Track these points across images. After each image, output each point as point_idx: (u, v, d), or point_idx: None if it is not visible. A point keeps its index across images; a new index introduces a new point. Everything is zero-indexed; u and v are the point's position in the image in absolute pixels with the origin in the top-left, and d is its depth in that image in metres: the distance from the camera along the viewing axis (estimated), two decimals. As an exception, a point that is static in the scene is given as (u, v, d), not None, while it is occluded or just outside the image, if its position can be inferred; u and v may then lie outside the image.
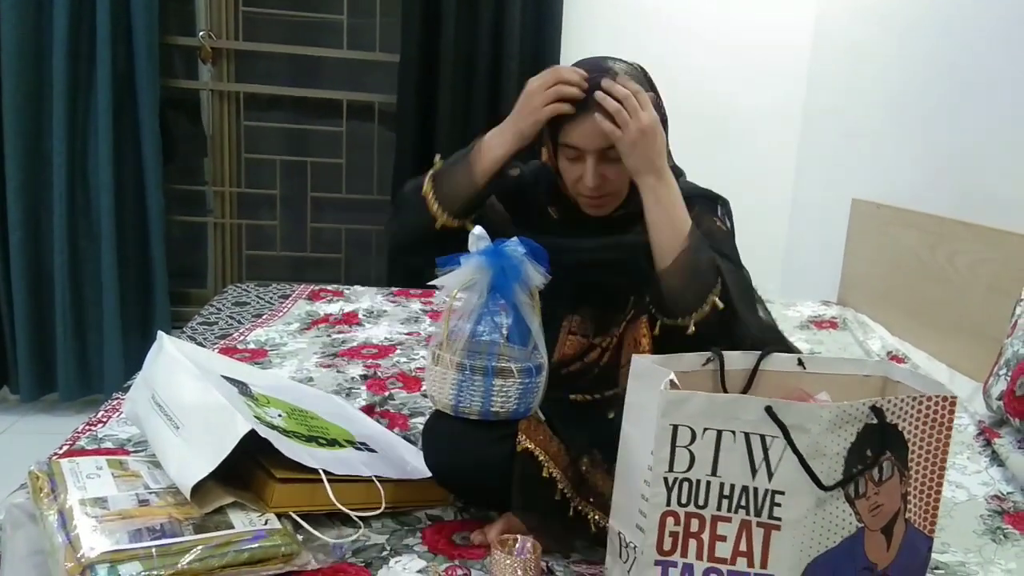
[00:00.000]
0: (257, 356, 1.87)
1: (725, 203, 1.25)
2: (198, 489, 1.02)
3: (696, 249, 1.08)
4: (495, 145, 1.16)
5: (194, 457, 1.04)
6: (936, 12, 2.25)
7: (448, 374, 1.11)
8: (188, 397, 1.13)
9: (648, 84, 1.17)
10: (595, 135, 1.10)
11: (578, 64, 1.16)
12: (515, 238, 1.12)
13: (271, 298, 2.42)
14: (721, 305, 1.06)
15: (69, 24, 2.54)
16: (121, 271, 2.72)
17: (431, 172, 1.20)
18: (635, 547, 0.91)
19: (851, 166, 2.69)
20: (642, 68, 1.19)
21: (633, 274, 1.16)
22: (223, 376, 1.30)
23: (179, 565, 0.93)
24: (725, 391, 1.04)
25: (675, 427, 0.87)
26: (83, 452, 1.30)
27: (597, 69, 1.13)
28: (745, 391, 1.05)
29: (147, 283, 2.82)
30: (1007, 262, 1.80)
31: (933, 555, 1.13)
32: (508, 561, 1.00)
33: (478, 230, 1.13)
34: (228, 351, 1.87)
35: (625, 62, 1.17)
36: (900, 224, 2.30)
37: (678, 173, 1.23)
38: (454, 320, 1.12)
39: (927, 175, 2.25)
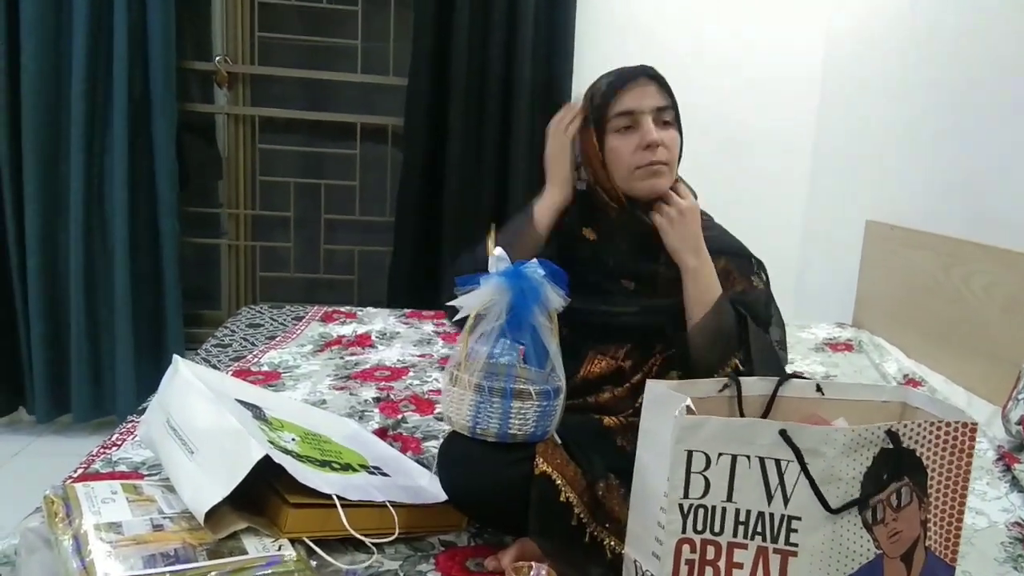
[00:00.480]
0: (271, 378, 1.87)
1: (760, 263, 1.32)
2: (212, 514, 1.02)
3: (721, 313, 1.17)
4: (546, 198, 1.28)
5: (208, 482, 1.04)
6: (946, 35, 2.25)
7: (466, 395, 1.10)
8: (202, 421, 1.13)
9: (669, 92, 1.26)
10: (648, 96, 1.21)
11: (603, 74, 1.27)
12: (535, 260, 1.13)
13: (284, 320, 2.43)
14: (742, 368, 1.15)
15: (87, 48, 2.58)
16: (135, 293, 2.74)
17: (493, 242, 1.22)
18: (651, 575, 0.90)
19: (864, 188, 2.69)
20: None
21: (668, 337, 1.24)
22: (237, 400, 1.30)
23: (193, 591, 0.93)
24: (743, 417, 1.03)
25: (690, 452, 0.87)
26: (98, 476, 1.30)
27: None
28: (764, 417, 1.04)
29: (161, 305, 2.83)
30: (1022, 283, 1.78)
31: (954, 583, 1.11)
32: (522, 588, 0.99)
33: (499, 251, 1.14)
34: (242, 373, 1.87)
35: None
36: (914, 245, 2.29)
37: (705, 219, 1.29)
38: (472, 341, 1.12)
39: (940, 196, 2.24)
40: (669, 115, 1.23)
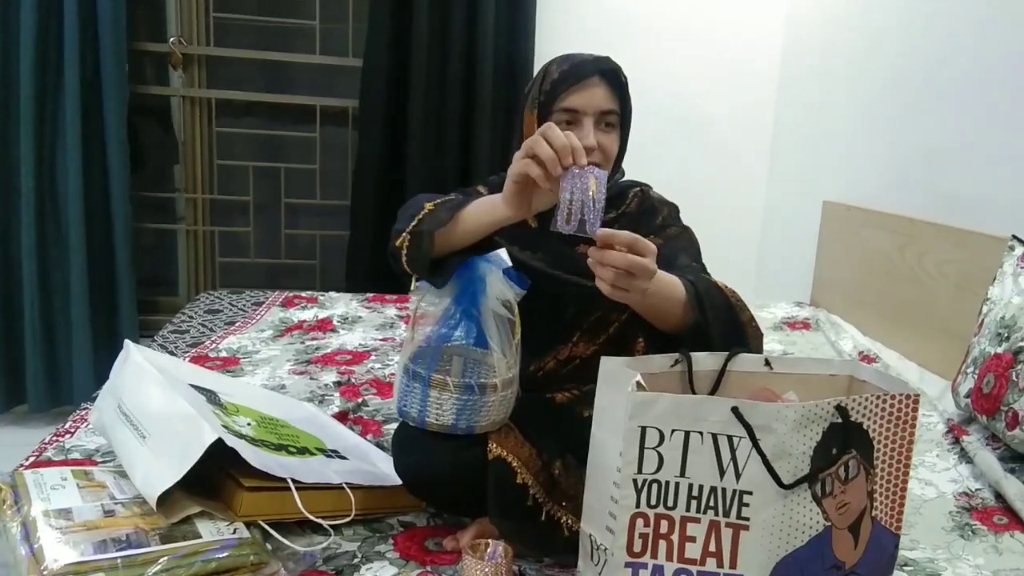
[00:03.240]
0: (229, 364, 1.85)
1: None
2: (165, 499, 1.01)
3: (703, 308, 1.07)
4: (499, 208, 1.10)
5: (160, 466, 1.02)
6: (905, 16, 2.28)
7: (397, 377, 1.13)
8: (155, 406, 1.12)
9: (626, 79, 1.22)
10: (595, 97, 1.16)
11: (560, 58, 1.22)
12: (500, 250, 1.13)
13: (244, 305, 2.40)
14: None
15: (36, 30, 2.51)
16: (91, 280, 2.69)
17: (413, 224, 1.13)
18: (606, 549, 0.91)
19: (822, 168, 2.72)
20: (618, 66, 1.22)
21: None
22: (191, 385, 1.28)
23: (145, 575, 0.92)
24: (693, 392, 1.04)
25: (643, 429, 0.88)
26: (50, 463, 1.28)
27: (588, 54, 1.21)
28: (713, 392, 1.05)
29: (115, 291, 2.78)
30: (974, 262, 1.82)
31: (903, 552, 1.14)
32: (480, 566, 1.00)
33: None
34: (200, 359, 1.85)
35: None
36: (870, 225, 2.32)
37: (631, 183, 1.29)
38: (419, 326, 1.12)
39: (896, 176, 2.28)
40: (613, 119, 1.19)
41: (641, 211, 1.28)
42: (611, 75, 1.18)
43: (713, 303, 1.09)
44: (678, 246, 1.24)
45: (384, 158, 2.80)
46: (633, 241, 0.96)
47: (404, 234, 1.13)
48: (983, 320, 1.63)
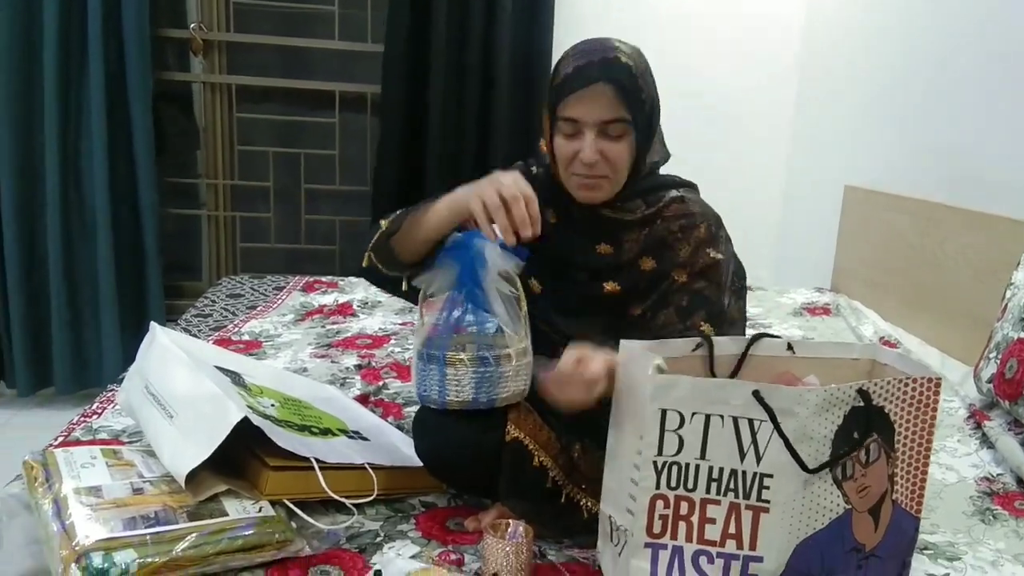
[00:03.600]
0: (251, 347, 1.87)
1: (727, 236, 1.25)
2: (192, 477, 1.03)
3: None
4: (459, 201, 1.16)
5: (188, 446, 1.04)
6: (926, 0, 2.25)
7: (413, 364, 1.14)
8: (181, 387, 1.14)
9: (646, 67, 1.17)
10: (596, 107, 1.10)
11: (573, 52, 1.16)
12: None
13: (265, 290, 2.42)
14: None
15: (60, 18, 2.53)
16: (116, 265, 2.72)
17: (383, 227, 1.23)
18: (625, 530, 0.92)
19: (843, 152, 2.70)
20: (640, 50, 1.18)
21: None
22: (216, 367, 1.30)
23: (173, 552, 0.94)
24: (714, 376, 1.05)
25: (664, 411, 0.88)
26: (78, 443, 1.30)
27: (601, 48, 1.14)
28: (734, 376, 1.05)
29: (141, 276, 2.81)
30: (996, 246, 1.81)
31: (923, 536, 1.14)
32: (500, 545, 1.01)
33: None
34: (222, 343, 1.87)
35: (628, 44, 1.17)
36: (892, 210, 2.30)
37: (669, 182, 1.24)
38: (428, 313, 1.13)
39: (918, 160, 2.26)
40: (619, 128, 1.11)
41: (671, 227, 1.19)
42: (618, 81, 1.10)
43: None
44: (699, 297, 1.16)
45: (404, 145, 2.81)
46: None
47: (367, 253, 1.21)
48: (1007, 305, 1.61)
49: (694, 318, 1.15)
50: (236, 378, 1.29)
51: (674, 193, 1.22)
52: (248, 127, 3.07)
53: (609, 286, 1.21)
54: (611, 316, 1.21)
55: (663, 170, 1.26)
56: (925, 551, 1.14)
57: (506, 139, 2.80)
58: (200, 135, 3.02)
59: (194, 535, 0.96)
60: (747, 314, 1.34)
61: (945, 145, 2.13)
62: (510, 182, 1.10)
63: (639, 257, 1.20)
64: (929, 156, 2.21)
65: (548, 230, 1.21)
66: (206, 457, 1.01)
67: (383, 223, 1.24)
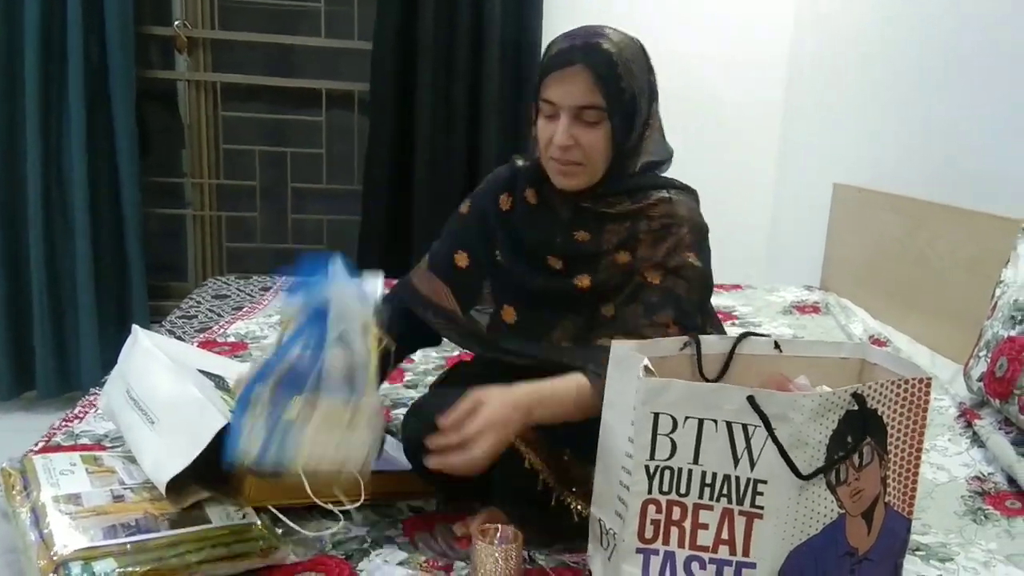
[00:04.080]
0: (238, 349, 1.85)
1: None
2: (174, 484, 1.01)
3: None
4: None
5: (169, 452, 1.02)
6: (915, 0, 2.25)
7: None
8: (163, 391, 1.11)
9: (644, 57, 1.16)
10: (572, 90, 1.09)
11: (560, 37, 1.15)
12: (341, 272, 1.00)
13: (251, 291, 2.40)
14: None
15: (41, 15, 2.50)
16: (98, 266, 2.69)
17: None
18: (615, 534, 0.91)
19: (832, 151, 2.70)
20: (638, 41, 1.17)
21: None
22: (199, 370, 1.28)
23: (155, 561, 0.92)
24: (702, 375, 1.04)
25: (656, 415, 0.87)
26: (59, 448, 1.28)
27: (586, 33, 1.13)
28: (721, 375, 1.04)
29: (124, 277, 2.78)
30: (985, 244, 1.80)
31: (915, 537, 1.13)
32: (490, 551, 0.99)
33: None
34: (208, 344, 1.85)
35: (621, 33, 1.15)
36: (881, 208, 2.30)
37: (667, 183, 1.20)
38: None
39: (907, 158, 2.26)
40: (594, 114, 1.09)
41: (652, 224, 1.15)
42: (595, 66, 1.08)
43: None
44: (670, 295, 1.11)
45: (394, 142, 2.79)
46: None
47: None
48: (996, 303, 1.61)
49: (660, 315, 1.10)
50: (220, 382, 1.26)
51: (664, 194, 1.18)
52: (234, 125, 3.04)
53: (581, 281, 1.16)
54: (581, 317, 1.17)
55: (668, 173, 1.23)
56: (917, 552, 1.13)
57: (496, 135, 2.78)
58: (185, 133, 2.98)
59: (176, 543, 0.94)
60: (734, 315, 1.32)
61: (934, 143, 2.13)
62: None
63: (616, 250, 1.16)
64: (918, 154, 2.21)
65: (526, 209, 1.22)
66: (187, 464, 0.99)
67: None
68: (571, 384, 1.04)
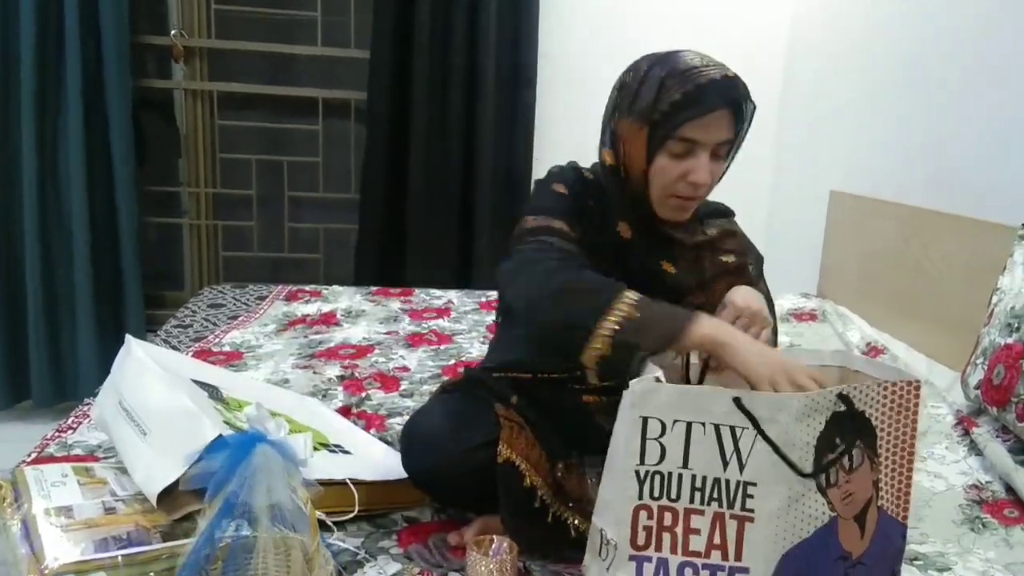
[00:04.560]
0: (232, 358, 1.84)
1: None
2: (166, 496, 0.99)
3: None
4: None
5: (161, 463, 1.01)
6: (911, 3, 2.25)
7: None
8: (155, 402, 1.11)
9: (741, 119, 1.14)
10: (720, 129, 1.07)
11: (677, 73, 1.08)
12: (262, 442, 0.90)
13: (247, 300, 2.39)
14: None
15: (36, 24, 2.50)
16: (95, 275, 2.68)
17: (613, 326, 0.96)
18: (616, 545, 0.90)
19: (828, 158, 2.70)
20: (746, 92, 1.14)
21: None
22: (193, 380, 1.27)
23: (146, 574, 0.91)
24: (688, 381, 1.03)
25: (645, 419, 0.87)
26: (52, 459, 1.27)
27: (715, 65, 1.09)
28: (701, 380, 1.04)
29: (120, 287, 2.77)
30: (982, 251, 1.80)
31: (912, 546, 1.13)
32: (484, 562, 0.99)
33: (251, 410, 0.92)
34: (203, 354, 1.84)
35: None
36: (877, 215, 2.30)
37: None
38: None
39: (903, 165, 2.26)
40: (724, 150, 1.11)
41: (723, 258, 1.23)
42: (736, 102, 1.09)
43: None
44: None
45: (391, 151, 2.79)
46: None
47: (604, 338, 0.95)
48: (993, 310, 1.60)
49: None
50: (214, 392, 1.26)
51: (724, 222, 1.27)
52: (230, 135, 3.04)
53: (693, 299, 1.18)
54: None
55: None
56: (915, 561, 1.12)
57: (492, 143, 2.78)
58: (181, 142, 2.98)
59: (168, 556, 0.93)
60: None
61: (930, 150, 2.13)
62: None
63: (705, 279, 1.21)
64: (914, 161, 2.20)
65: (619, 244, 1.16)
66: (179, 476, 0.98)
67: (623, 307, 0.97)
68: None
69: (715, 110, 1.06)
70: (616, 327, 0.95)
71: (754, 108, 1.12)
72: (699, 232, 1.22)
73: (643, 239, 1.16)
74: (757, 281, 1.24)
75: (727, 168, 1.17)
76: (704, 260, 1.21)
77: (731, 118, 1.08)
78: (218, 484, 0.87)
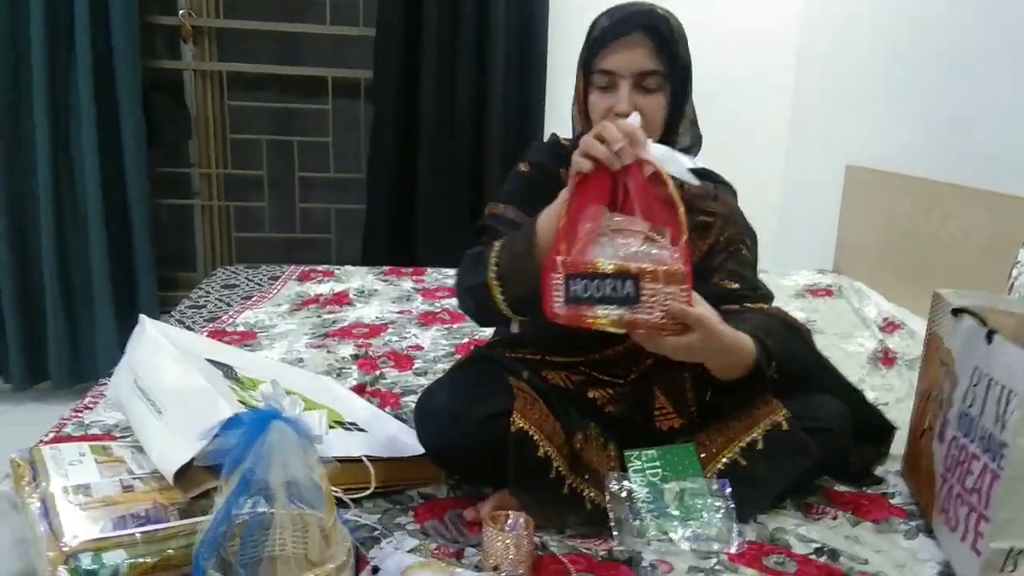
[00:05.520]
0: (246, 338, 1.84)
1: (754, 236, 1.30)
2: (182, 474, 1.00)
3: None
4: (555, 205, 1.06)
5: (176, 442, 1.02)
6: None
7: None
8: (170, 381, 1.11)
9: (683, 30, 1.16)
10: (634, 58, 1.09)
11: (610, 10, 1.15)
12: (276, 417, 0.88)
13: (260, 280, 2.39)
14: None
15: (46, 6, 2.49)
16: (109, 256, 2.69)
17: (493, 268, 1.10)
18: None
19: (844, 132, 2.66)
20: (665, 17, 1.16)
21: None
22: (208, 360, 1.27)
23: (165, 551, 0.91)
24: None
25: None
26: (69, 439, 1.28)
27: (640, 4, 1.14)
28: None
29: (133, 268, 2.78)
30: (1001, 224, 1.77)
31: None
32: (501, 537, 0.99)
33: (267, 388, 0.91)
34: (217, 334, 1.85)
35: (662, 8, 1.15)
36: (894, 189, 2.27)
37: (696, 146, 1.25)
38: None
39: (920, 139, 2.22)
40: (655, 81, 1.10)
41: (707, 220, 1.23)
42: (655, 31, 1.09)
43: (783, 354, 1.10)
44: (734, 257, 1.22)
45: (398, 129, 2.77)
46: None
47: (492, 281, 1.09)
48: (1013, 283, 1.58)
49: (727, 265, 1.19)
50: (228, 371, 1.26)
51: (708, 184, 1.23)
52: (240, 115, 3.03)
53: None
54: None
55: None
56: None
57: (501, 119, 2.76)
58: (192, 123, 2.98)
59: (186, 533, 0.93)
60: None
61: (947, 123, 2.09)
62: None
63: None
64: (931, 134, 2.17)
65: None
66: (194, 455, 0.98)
67: (495, 246, 1.12)
68: (747, 344, 1.05)
69: (626, 35, 1.08)
70: (496, 268, 1.08)
71: (683, 41, 1.14)
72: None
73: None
74: (732, 252, 1.22)
75: (683, 108, 1.16)
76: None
77: (651, 48, 1.09)
78: (234, 461, 0.87)
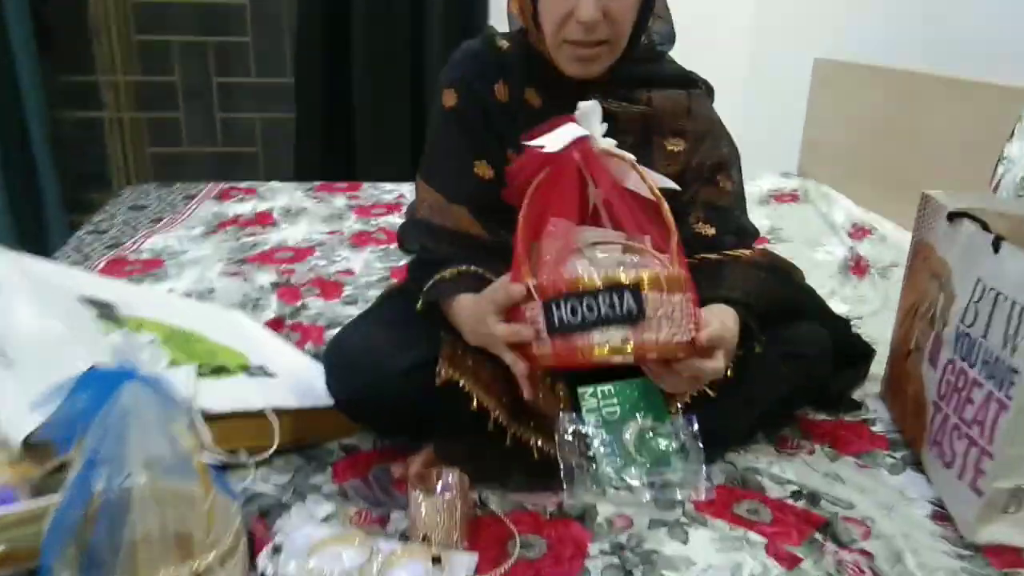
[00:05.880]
0: (151, 267, 1.63)
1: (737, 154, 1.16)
2: (36, 442, 0.82)
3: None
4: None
5: (27, 402, 0.83)
6: None
7: None
8: (22, 327, 0.91)
9: None
10: None
11: None
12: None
13: (174, 200, 2.16)
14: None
15: None
16: (4, 178, 2.41)
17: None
18: None
19: (812, 23, 2.48)
20: None
21: None
22: (85, 298, 1.07)
23: (12, 539, 0.74)
24: None
25: None
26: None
27: None
28: None
29: (35, 189, 2.51)
30: (983, 116, 1.63)
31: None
32: (429, 501, 0.83)
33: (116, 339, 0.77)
34: (116, 263, 1.63)
35: None
36: (866, 83, 2.11)
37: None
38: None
39: (894, 26, 2.06)
40: None
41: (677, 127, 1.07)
42: None
43: (771, 315, 0.96)
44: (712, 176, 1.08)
45: (326, 24, 2.49)
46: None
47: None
48: (999, 182, 1.45)
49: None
50: (108, 311, 1.07)
51: (678, 94, 1.07)
52: (148, 14, 2.70)
53: None
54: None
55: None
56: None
57: (440, 12, 2.50)
58: (90, 23, 2.64)
59: (38, 517, 0.76)
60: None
61: (923, 7, 1.93)
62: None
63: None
64: (907, 20, 2.00)
65: (531, 114, 0.99)
66: (47, 419, 0.80)
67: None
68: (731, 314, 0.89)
69: None
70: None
71: None
72: (643, 102, 1.03)
73: (554, 105, 0.94)
74: (708, 180, 1.07)
75: (651, 13, 0.99)
76: (653, 138, 1.03)
77: None
78: (78, 430, 0.69)
